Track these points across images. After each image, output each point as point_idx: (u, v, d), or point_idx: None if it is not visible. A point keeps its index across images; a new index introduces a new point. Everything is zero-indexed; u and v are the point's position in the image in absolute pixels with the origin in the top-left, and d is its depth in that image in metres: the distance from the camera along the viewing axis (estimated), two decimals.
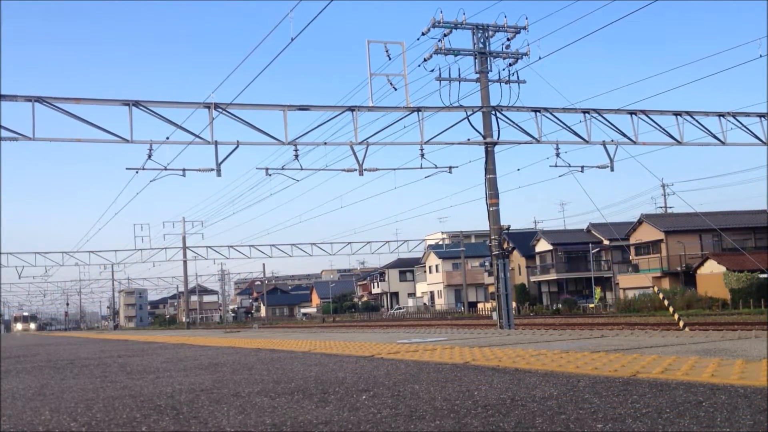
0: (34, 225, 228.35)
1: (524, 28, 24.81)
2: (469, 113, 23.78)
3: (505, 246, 24.20)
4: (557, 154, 24.48)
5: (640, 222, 57.27)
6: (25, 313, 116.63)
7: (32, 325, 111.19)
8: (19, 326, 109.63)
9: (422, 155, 23.31)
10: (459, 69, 24.47)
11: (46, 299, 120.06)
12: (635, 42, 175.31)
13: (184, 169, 22.74)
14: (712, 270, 48.69)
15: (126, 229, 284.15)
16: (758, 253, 43.59)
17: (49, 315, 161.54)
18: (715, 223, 39.57)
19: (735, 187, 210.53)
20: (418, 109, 22.98)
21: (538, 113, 23.97)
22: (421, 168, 23.79)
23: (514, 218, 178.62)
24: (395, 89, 22.43)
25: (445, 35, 24.37)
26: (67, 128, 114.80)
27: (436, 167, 24.05)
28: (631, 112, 24.75)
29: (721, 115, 25.52)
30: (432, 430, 2.53)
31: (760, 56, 23.19)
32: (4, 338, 33.55)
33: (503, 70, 24.66)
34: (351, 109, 22.23)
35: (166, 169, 21.81)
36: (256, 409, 3.17)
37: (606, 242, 60.89)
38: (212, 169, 21.22)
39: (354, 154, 22.66)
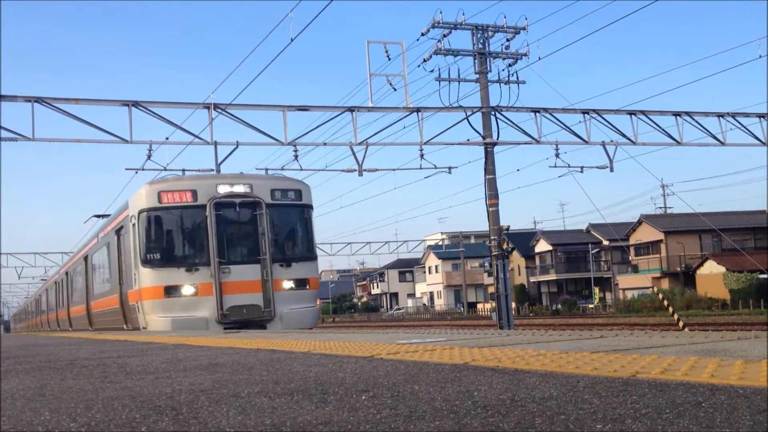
0: (34, 225, 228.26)
1: (524, 28, 24.85)
2: (468, 114, 23.80)
3: (505, 246, 24.21)
4: (557, 155, 24.53)
5: (639, 222, 57.31)
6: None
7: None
8: None
9: (422, 155, 23.35)
10: (458, 69, 24.55)
11: None
12: (635, 42, 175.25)
13: (183, 170, 22.67)
14: (711, 270, 48.72)
15: None
16: (758, 254, 43.61)
17: None
18: (715, 224, 39.59)
19: (735, 188, 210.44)
20: (418, 110, 22.99)
21: (537, 113, 23.99)
22: (421, 168, 23.84)
23: (514, 218, 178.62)
24: (395, 89, 22.48)
25: (444, 36, 24.40)
26: (66, 128, 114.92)
27: (436, 167, 24.08)
28: (631, 113, 24.77)
29: (720, 115, 25.54)
30: (431, 430, 2.53)
31: (760, 56, 23.27)
32: (4, 338, 33.55)
33: (503, 70, 24.73)
34: (350, 109, 22.23)
35: (165, 169, 21.82)
36: (255, 410, 3.17)
37: (605, 243, 60.90)
38: (212, 170, 21.24)
39: (353, 154, 22.69)
